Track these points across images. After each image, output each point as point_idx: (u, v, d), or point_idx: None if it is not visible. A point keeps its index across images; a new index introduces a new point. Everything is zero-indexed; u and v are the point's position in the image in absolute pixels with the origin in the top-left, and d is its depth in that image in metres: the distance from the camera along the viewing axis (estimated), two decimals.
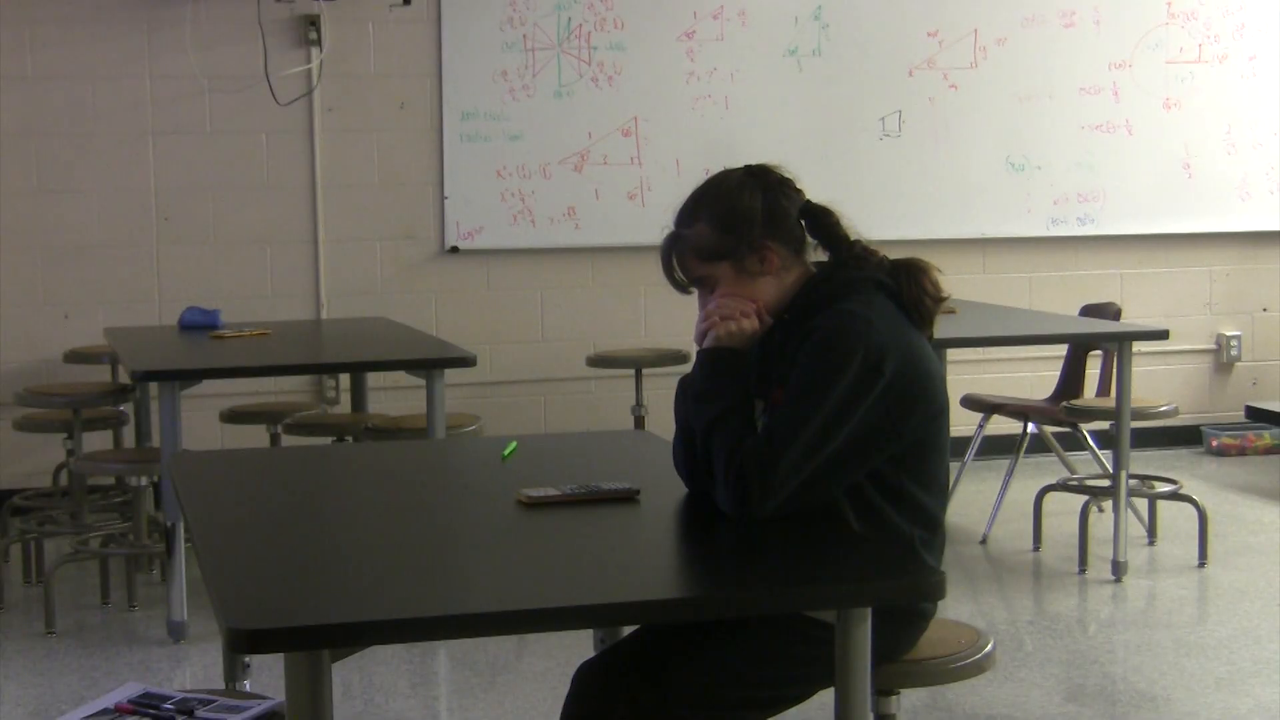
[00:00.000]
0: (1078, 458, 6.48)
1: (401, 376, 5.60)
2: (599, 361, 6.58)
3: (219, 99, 6.61)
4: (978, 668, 2.80)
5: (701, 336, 2.66)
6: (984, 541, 5.86)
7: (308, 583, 2.24)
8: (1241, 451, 7.49)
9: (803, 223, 2.69)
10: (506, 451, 3.07)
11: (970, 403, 6.29)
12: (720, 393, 2.58)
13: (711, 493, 2.55)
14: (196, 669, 4.55)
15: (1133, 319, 6.83)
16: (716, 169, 2.77)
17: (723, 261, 2.64)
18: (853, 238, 2.71)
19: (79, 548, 5.32)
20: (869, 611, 2.20)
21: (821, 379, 2.50)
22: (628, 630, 2.85)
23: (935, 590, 2.25)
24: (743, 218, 2.64)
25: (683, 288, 2.71)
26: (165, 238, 6.54)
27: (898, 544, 2.57)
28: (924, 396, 2.59)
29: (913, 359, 2.57)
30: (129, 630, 4.96)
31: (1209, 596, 5.28)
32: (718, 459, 2.51)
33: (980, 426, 6.27)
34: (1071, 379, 6.20)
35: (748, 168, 2.73)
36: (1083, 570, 5.43)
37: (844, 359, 2.50)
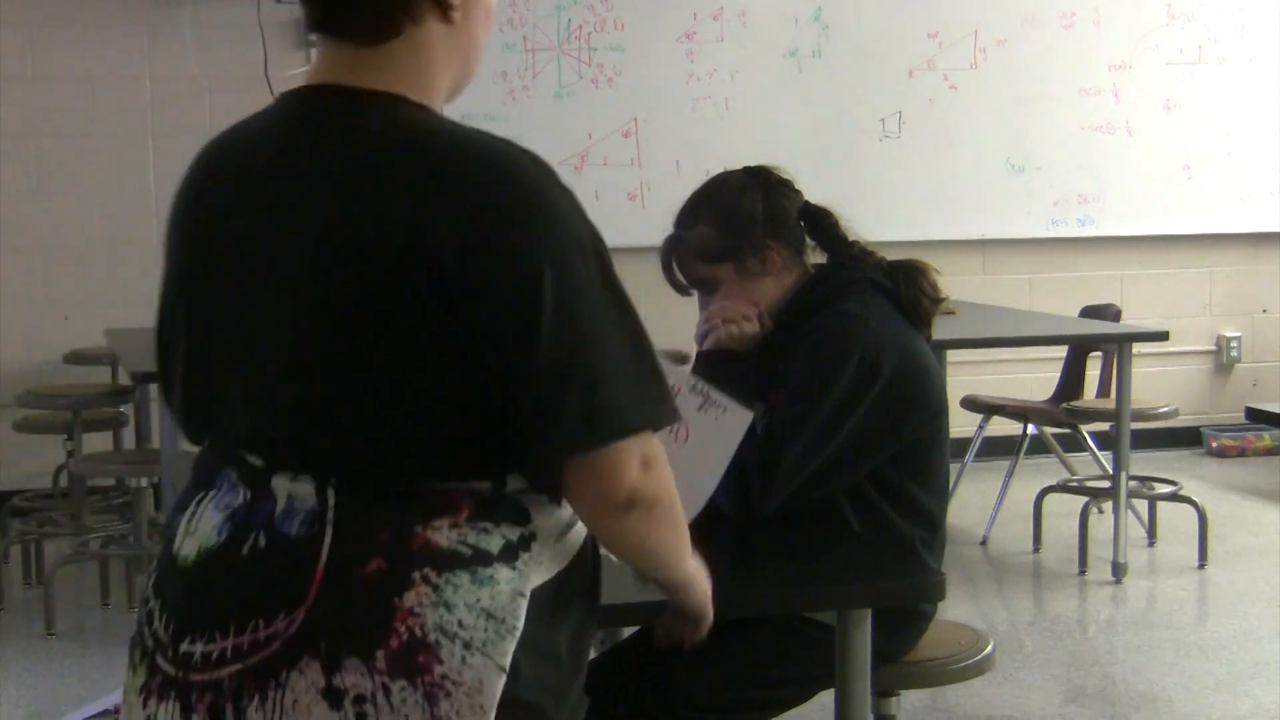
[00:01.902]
0: (1078, 459, 6.48)
1: None
2: None
3: (219, 100, 6.60)
4: (978, 669, 2.80)
5: (702, 338, 2.67)
6: (984, 543, 5.86)
7: None
8: (1241, 453, 7.48)
9: (802, 223, 2.70)
10: None
11: (970, 404, 6.29)
12: None
13: (711, 493, 2.55)
14: None
15: (1133, 320, 6.82)
16: (717, 170, 2.77)
17: (725, 263, 2.64)
18: (851, 239, 2.71)
19: (79, 549, 5.32)
20: (869, 612, 2.20)
21: (820, 380, 2.51)
22: (628, 631, 2.85)
23: (935, 591, 2.25)
24: (745, 219, 2.64)
25: (682, 289, 2.71)
26: None
27: (898, 545, 2.57)
28: (923, 396, 2.59)
29: (911, 359, 2.57)
30: (129, 631, 4.92)
31: (1209, 598, 5.28)
32: None
33: (980, 428, 6.27)
34: (1071, 380, 6.19)
35: (747, 169, 2.73)
36: (1083, 571, 5.43)
37: (842, 359, 2.50)
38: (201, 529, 1.58)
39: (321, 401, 1.52)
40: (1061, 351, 6.36)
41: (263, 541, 1.52)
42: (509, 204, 1.49)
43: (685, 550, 1.68)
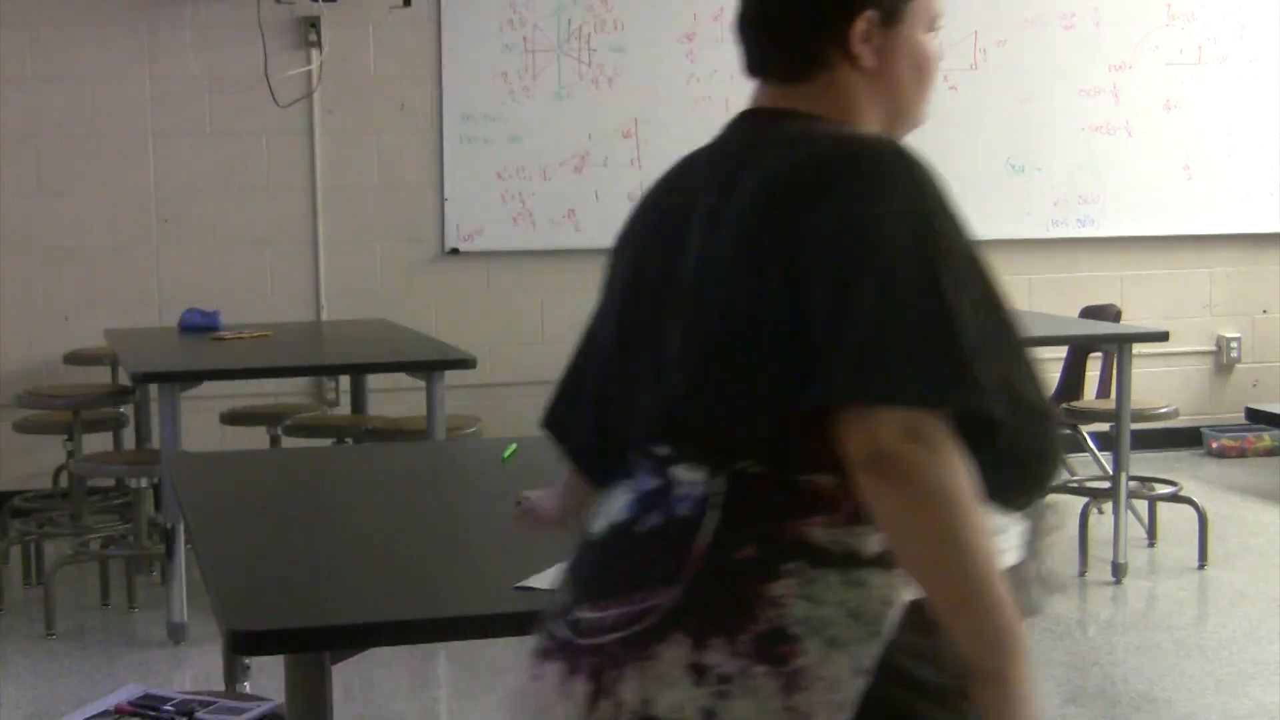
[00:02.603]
0: (1078, 459, 6.48)
1: (401, 378, 5.61)
2: None
3: (219, 100, 6.61)
4: None
5: None
6: None
7: (308, 584, 2.24)
8: (1241, 453, 7.49)
9: None
10: (507, 453, 3.07)
11: None
12: None
13: None
14: (197, 671, 4.55)
15: (1133, 321, 6.83)
16: None
17: None
18: None
19: (79, 549, 5.32)
20: None
21: None
22: None
23: None
24: None
25: None
26: (165, 239, 6.54)
27: None
28: None
29: None
30: (129, 632, 4.96)
31: (1209, 598, 5.28)
32: None
33: None
34: (1072, 381, 6.20)
35: None
36: (1083, 572, 5.43)
37: None
38: (613, 508, 1.71)
39: (713, 387, 1.62)
40: (1061, 352, 6.36)
41: (658, 521, 1.64)
42: (840, 171, 1.60)
43: (975, 588, 1.54)
